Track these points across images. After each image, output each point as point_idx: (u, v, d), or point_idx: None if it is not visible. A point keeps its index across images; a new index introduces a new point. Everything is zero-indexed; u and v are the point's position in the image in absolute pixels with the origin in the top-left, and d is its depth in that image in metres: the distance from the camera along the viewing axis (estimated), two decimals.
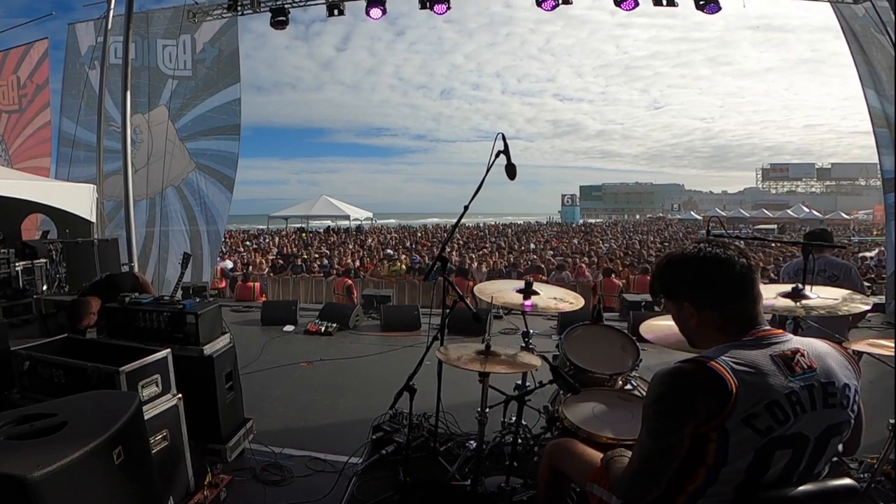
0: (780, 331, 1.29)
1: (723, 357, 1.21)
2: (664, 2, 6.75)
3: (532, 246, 18.15)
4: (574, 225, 38.84)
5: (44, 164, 9.70)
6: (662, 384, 1.24)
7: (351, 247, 17.39)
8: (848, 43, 7.27)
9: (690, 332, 1.40)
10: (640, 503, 1.36)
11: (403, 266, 12.10)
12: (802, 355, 1.23)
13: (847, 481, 1.27)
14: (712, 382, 1.17)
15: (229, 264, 12.13)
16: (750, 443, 1.16)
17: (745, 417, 1.15)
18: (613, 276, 9.29)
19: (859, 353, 2.47)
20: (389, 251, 15.63)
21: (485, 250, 15.32)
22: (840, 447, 1.31)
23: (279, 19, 7.20)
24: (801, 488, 1.23)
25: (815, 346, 1.28)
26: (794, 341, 1.27)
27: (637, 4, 6.72)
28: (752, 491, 1.21)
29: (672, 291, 1.40)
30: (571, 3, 6.85)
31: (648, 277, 9.35)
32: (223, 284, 9.48)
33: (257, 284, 9.55)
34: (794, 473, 1.22)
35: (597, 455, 1.66)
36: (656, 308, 7.44)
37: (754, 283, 1.30)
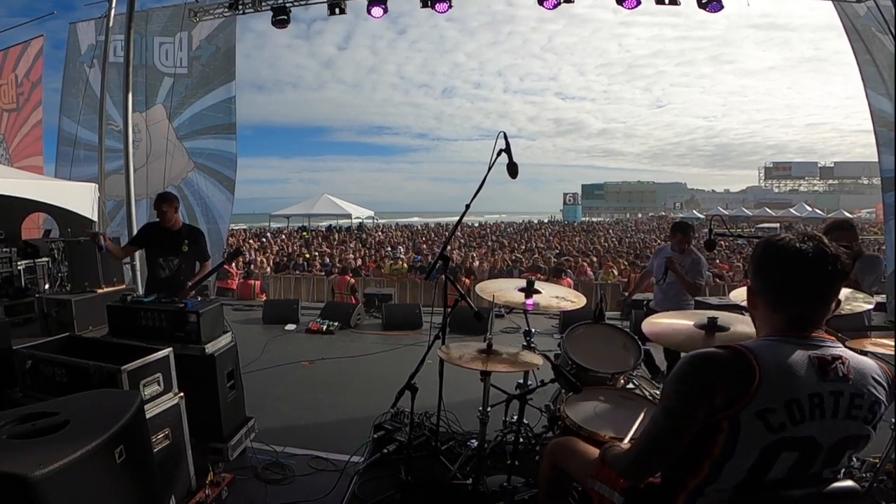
0: (832, 337, 1.26)
1: (759, 349, 1.20)
2: (666, 0, 6.72)
3: (535, 245, 18.13)
4: (576, 224, 38.78)
5: (38, 162, 9.71)
6: (688, 364, 1.23)
7: (352, 245, 17.40)
8: (850, 42, 7.24)
9: (749, 308, 1.38)
10: (638, 480, 1.39)
11: (405, 265, 12.10)
12: (842, 363, 1.19)
13: (848, 483, 1.25)
14: (737, 370, 1.16)
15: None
16: (759, 438, 1.16)
17: (760, 411, 1.14)
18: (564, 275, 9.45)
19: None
20: (390, 249, 15.62)
21: (483, 249, 15.31)
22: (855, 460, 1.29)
23: (280, 18, 7.18)
24: (800, 490, 1.22)
25: (858, 360, 1.24)
26: (839, 349, 1.23)
27: (639, 3, 6.68)
28: (750, 491, 1.20)
29: (751, 266, 1.35)
30: (573, 2, 6.81)
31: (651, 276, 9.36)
32: (233, 286, 9.47)
33: (257, 282, 9.57)
34: (801, 477, 1.21)
35: (597, 452, 1.66)
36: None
37: (828, 288, 1.22)
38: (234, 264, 10.09)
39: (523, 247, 17.33)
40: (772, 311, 1.27)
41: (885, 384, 1.23)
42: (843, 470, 1.26)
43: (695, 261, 3.86)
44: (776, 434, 1.15)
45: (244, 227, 26.84)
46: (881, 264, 3.71)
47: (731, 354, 1.19)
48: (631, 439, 1.81)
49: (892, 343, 2.36)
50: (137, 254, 7.54)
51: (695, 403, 1.19)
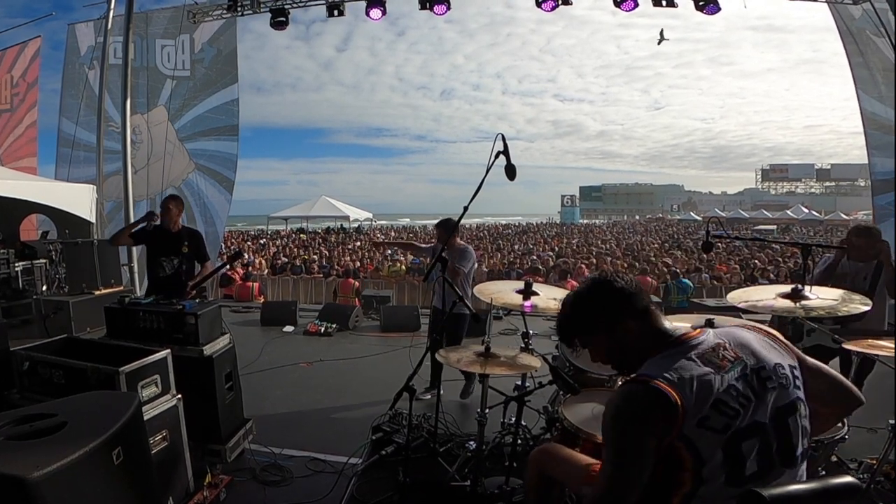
0: (697, 332, 1.31)
1: (659, 373, 1.23)
2: (664, 2, 6.76)
3: (532, 247, 18.14)
4: (573, 225, 38.83)
5: (32, 163, 9.69)
6: (617, 406, 1.26)
7: (351, 247, 17.38)
8: (844, 44, 7.28)
9: (613, 359, 1.43)
10: None
11: (403, 266, 12.11)
12: (725, 349, 1.25)
13: (848, 479, 1.27)
14: (659, 400, 1.19)
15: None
16: (714, 441, 1.19)
17: (697, 422, 1.18)
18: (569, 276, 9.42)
19: (858, 354, 2.45)
20: (390, 252, 15.61)
21: (480, 251, 15.32)
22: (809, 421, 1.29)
23: (279, 20, 7.19)
24: (801, 486, 1.23)
25: (734, 335, 1.29)
26: (711, 337, 1.29)
27: (637, 5, 6.71)
28: (742, 483, 1.21)
29: (581, 332, 1.46)
30: (571, 4, 6.85)
31: (648, 278, 9.38)
32: (231, 290, 9.45)
33: (256, 284, 9.55)
34: (772, 459, 1.24)
35: (585, 458, 1.65)
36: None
37: (638, 297, 1.36)
38: (234, 267, 10.09)
39: (521, 249, 17.35)
40: (638, 334, 1.36)
41: (772, 344, 1.31)
42: (806, 436, 1.28)
43: (460, 251, 4.06)
44: (725, 433, 1.19)
45: (240, 228, 26.92)
46: None
47: (646, 388, 1.22)
48: None
49: (892, 343, 2.36)
50: (136, 256, 7.56)
51: (642, 435, 1.20)
